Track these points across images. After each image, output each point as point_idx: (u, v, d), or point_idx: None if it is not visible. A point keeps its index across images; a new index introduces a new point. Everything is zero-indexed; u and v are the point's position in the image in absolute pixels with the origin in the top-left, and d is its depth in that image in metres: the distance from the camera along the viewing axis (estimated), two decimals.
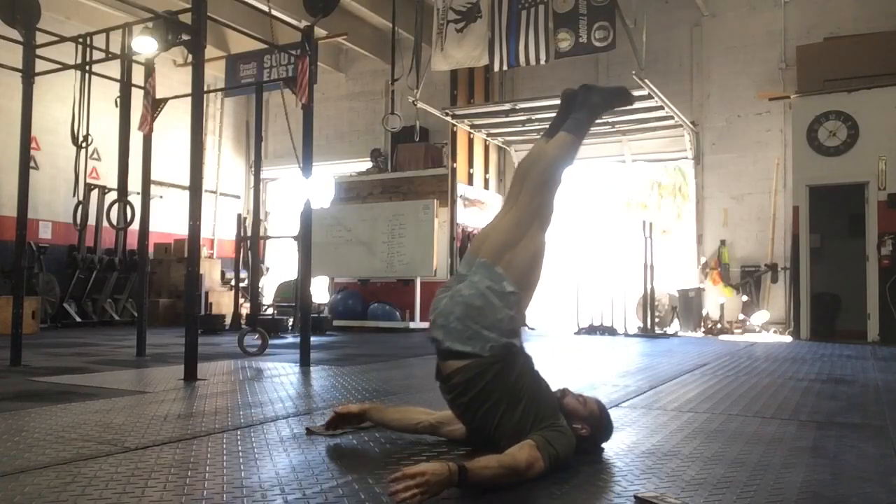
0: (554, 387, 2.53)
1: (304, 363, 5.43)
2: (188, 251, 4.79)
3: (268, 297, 11.74)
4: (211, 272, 12.43)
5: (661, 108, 10.46)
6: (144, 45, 5.52)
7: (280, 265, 12.65)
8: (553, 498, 2.00)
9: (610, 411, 3.50)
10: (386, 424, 2.77)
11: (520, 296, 2.46)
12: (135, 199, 6.26)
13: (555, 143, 2.72)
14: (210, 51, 8.65)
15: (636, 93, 9.86)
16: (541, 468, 2.12)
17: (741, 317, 10.82)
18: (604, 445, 2.58)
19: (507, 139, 12.92)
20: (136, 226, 6.38)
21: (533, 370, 2.47)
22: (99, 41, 6.12)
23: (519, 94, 12.55)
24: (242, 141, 15.44)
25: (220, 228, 14.34)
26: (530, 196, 2.62)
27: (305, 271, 5.80)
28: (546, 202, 2.65)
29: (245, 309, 8.03)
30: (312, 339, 5.69)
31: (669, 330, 11.05)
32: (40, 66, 5.80)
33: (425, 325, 11.32)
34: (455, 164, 12.06)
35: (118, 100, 6.20)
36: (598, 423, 2.49)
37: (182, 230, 6.73)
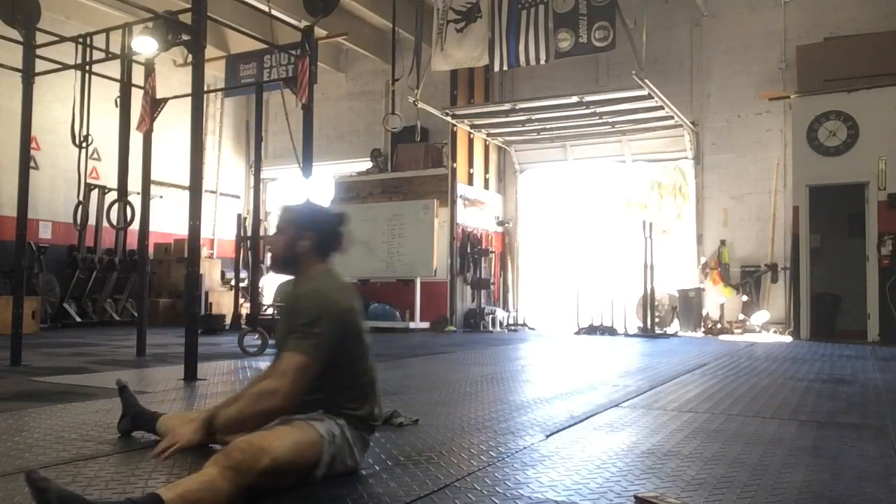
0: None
1: None
2: (188, 251, 4.79)
3: (268, 297, 11.74)
4: (211, 272, 12.42)
5: (661, 108, 10.46)
6: (144, 45, 5.52)
7: None
8: (553, 498, 2.00)
9: (610, 411, 3.51)
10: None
11: None
12: (135, 199, 6.25)
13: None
14: (210, 51, 8.64)
15: (636, 93, 9.90)
16: (296, 365, 2.05)
17: (741, 317, 10.82)
18: (340, 232, 2.35)
19: (507, 139, 12.92)
20: (136, 226, 6.38)
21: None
22: (99, 41, 6.12)
23: (519, 94, 12.55)
24: (242, 141, 15.43)
25: (220, 228, 14.34)
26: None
27: None
28: None
29: (245, 309, 8.03)
30: None
31: (669, 330, 11.05)
32: (40, 66, 5.80)
33: (425, 325, 11.33)
34: (455, 164, 12.06)
35: (118, 100, 6.20)
36: (299, 219, 2.30)
37: (182, 230, 6.73)
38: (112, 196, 7.50)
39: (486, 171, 12.97)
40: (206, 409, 2.16)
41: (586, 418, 3.29)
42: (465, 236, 12.11)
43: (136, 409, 2.72)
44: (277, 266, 2.36)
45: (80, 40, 6.06)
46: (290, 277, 2.40)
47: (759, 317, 10.65)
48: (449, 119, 11.76)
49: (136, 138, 6.16)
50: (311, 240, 2.27)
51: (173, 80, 10.90)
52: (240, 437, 1.97)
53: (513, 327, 12.30)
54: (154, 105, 5.96)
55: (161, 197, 11.91)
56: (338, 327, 2.14)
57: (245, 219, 9.38)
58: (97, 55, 6.18)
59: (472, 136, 12.49)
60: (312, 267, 2.28)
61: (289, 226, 2.30)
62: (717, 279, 11.10)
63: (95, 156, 10.54)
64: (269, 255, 2.41)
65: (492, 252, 12.50)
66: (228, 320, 9.33)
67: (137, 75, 6.21)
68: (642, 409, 3.61)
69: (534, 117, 11.68)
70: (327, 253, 2.32)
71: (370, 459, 2.39)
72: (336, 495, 1.98)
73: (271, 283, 12.14)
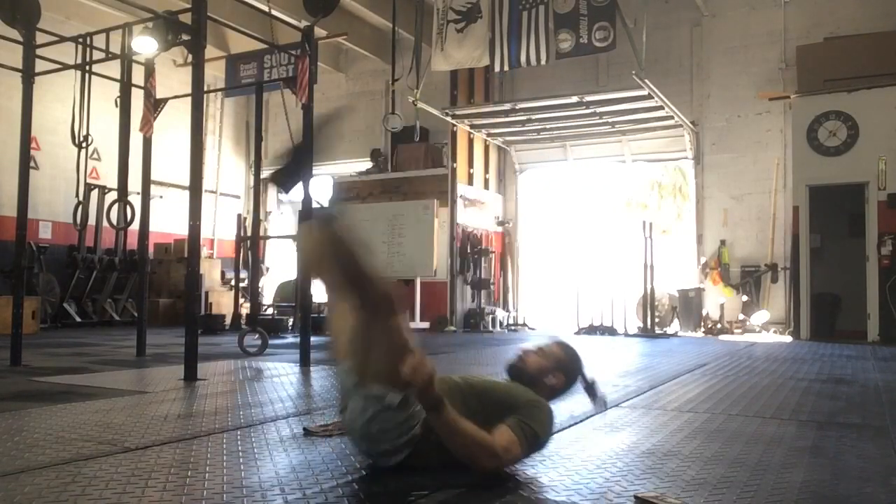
0: None
1: (305, 363, 5.43)
2: (188, 251, 4.78)
3: (268, 297, 11.74)
4: (211, 272, 12.42)
5: (661, 108, 10.46)
6: (144, 45, 5.52)
7: (280, 265, 12.65)
8: (553, 498, 2.00)
9: (610, 411, 3.51)
10: None
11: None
12: (135, 199, 6.25)
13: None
14: (210, 51, 8.63)
15: (636, 93, 9.90)
16: (517, 452, 2.16)
17: (741, 317, 10.82)
18: (593, 381, 2.58)
19: (507, 139, 12.92)
20: (136, 226, 6.38)
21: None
22: (99, 41, 6.12)
23: (519, 94, 12.55)
24: (242, 141, 15.44)
25: (220, 228, 14.33)
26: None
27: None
28: None
29: (245, 309, 8.03)
30: (312, 339, 5.69)
31: (669, 330, 11.05)
32: (40, 66, 5.79)
33: (425, 324, 11.33)
34: (455, 164, 12.06)
35: (118, 100, 6.20)
36: (566, 363, 2.51)
37: (182, 230, 6.73)
38: (112, 196, 7.50)
39: (486, 171, 12.98)
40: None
41: (586, 418, 3.29)
42: (465, 236, 12.11)
43: None
44: (517, 374, 2.49)
45: (80, 40, 6.05)
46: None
47: (759, 317, 10.65)
48: (449, 119, 11.76)
49: (136, 138, 6.16)
50: (558, 381, 2.49)
51: (173, 80, 10.90)
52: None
53: (513, 327, 12.30)
54: (154, 105, 5.96)
55: (161, 197, 11.91)
56: (536, 450, 2.29)
57: (245, 219, 9.38)
58: (97, 55, 6.18)
59: (472, 136, 12.49)
60: (540, 392, 2.43)
61: (552, 360, 2.50)
62: (717, 279, 11.11)
63: (95, 156, 10.54)
64: (521, 361, 2.53)
65: (492, 252, 12.50)
66: (228, 320, 9.33)
67: (137, 75, 6.20)
68: (642, 409, 3.61)
69: (534, 117, 11.68)
70: (556, 396, 2.51)
71: (370, 460, 2.39)
72: (336, 495, 1.98)
73: (271, 284, 12.15)
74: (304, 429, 2.88)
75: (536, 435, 2.22)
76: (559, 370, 2.48)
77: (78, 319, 10.78)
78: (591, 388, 2.58)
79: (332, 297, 2.46)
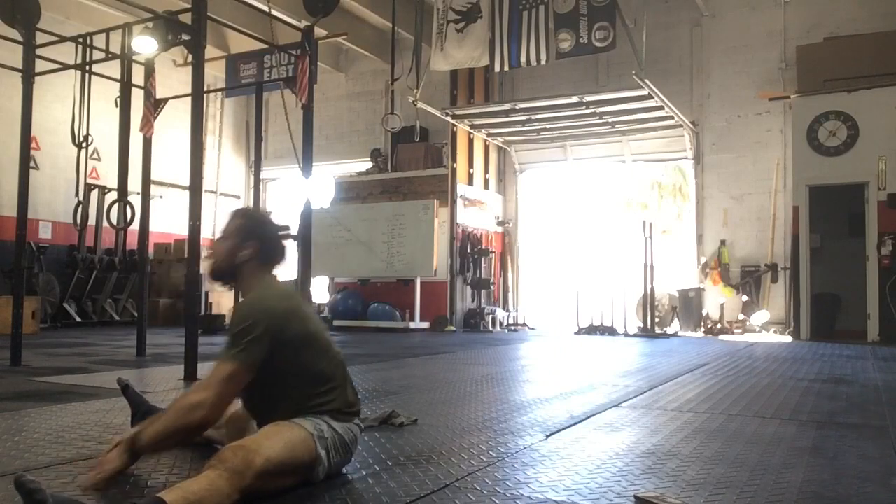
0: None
1: None
2: (188, 251, 4.79)
3: None
4: None
5: (661, 108, 10.46)
6: (144, 45, 5.52)
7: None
8: (553, 498, 2.00)
9: (610, 411, 3.51)
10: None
11: None
12: (135, 199, 6.26)
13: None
14: (210, 51, 8.64)
15: (636, 93, 9.89)
16: (222, 373, 2.01)
17: (741, 317, 10.82)
18: (287, 227, 2.41)
19: (507, 139, 12.92)
20: (136, 226, 6.38)
21: None
22: (99, 41, 6.12)
23: (519, 94, 12.55)
24: (242, 141, 15.44)
25: (220, 228, 14.29)
26: None
27: (305, 271, 5.79)
28: None
29: None
30: None
31: (669, 330, 11.05)
32: (40, 66, 5.80)
33: (425, 324, 11.33)
34: (455, 164, 12.06)
35: (118, 100, 6.20)
36: (244, 228, 2.28)
37: (182, 230, 6.73)
38: (112, 196, 7.50)
39: (486, 171, 12.98)
40: (131, 430, 2.02)
41: (586, 418, 3.29)
42: (465, 236, 12.11)
43: (145, 406, 2.71)
44: (216, 274, 2.30)
45: (80, 40, 6.06)
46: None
47: (759, 317, 10.65)
48: (449, 119, 11.76)
49: (136, 138, 6.16)
50: (252, 248, 2.24)
51: (173, 80, 10.90)
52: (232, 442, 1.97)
53: (513, 327, 12.30)
54: (154, 105, 5.97)
55: (161, 197, 11.92)
56: (274, 332, 2.07)
57: None
58: (97, 55, 6.18)
59: (472, 136, 12.49)
60: (253, 277, 2.25)
61: (232, 234, 2.27)
62: (717, 279, 11.11)
63: (95, 156, 10.54)
64: (207, 262, 2.33)
65: (492, 252, 12.50)
66: (228, 320, 9.31)
67: (137, 75, 6.21)
68: (642, 409, 3.61)
69: (534, 117, 11.68)
70: (270, 263, 2.28)
71: (370, 459, 2.39)
72: (336, 495, 1.98)
73: None
74: None
75: (235, 335, 2.04)
76: (243, 238, 2.24)
77: (78, 319, 10.78)
78: (287, 233, 2.41)
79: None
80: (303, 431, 2.03)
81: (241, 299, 2.29)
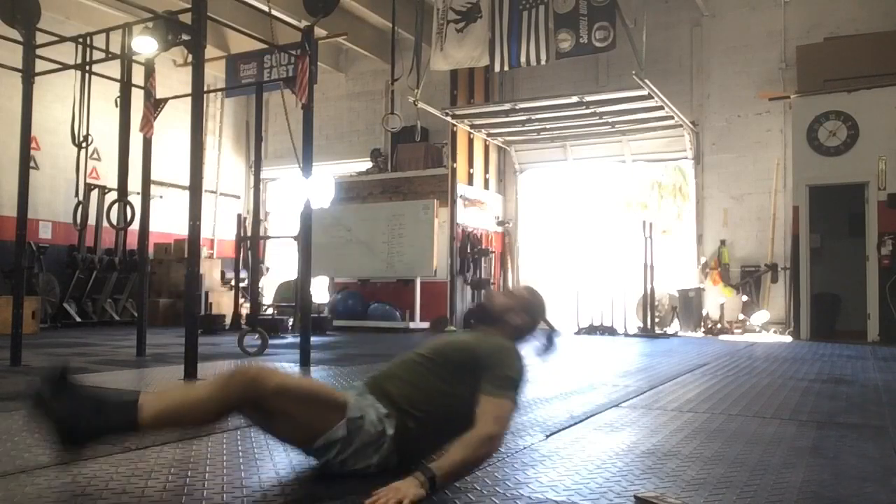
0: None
1: (305, 363, 5.42)
2: (188, 251, 4.78)
3: (268, 297, 11.74)
4: (211, 272, 12.42)
5: (661, 108, 10.46)
6: (144, 45, 5.51)
7: (280, 265, 12.65)
8: (553, 498, 2.00)
9: (610, 411, 3.52)
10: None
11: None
12: (135, 199, 6.25)
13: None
14: (210, 51, 8.65)
15: (636, 93, 9.89)
16: (508, 411, 2.14)
17: (741, 317, 10.82)
18: (555, 329, 2.63)
19: (507, 139, 12.92)
20: (136, 226, 6.38)
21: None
22: (99, 41, 6.11)
23: (519, 94, 12.55)
24: (242, 141, 15.44)
25: (220, 228, 14.34)
26: None
27: (305, 271, 5.80)
28: None
29: (245, 309, 8.02)
30: (312, 339, 5.69)
31: (669, 330, 11.05)
32: (40, 66, 5.79)
33: (425, 324, 11.32)
34: (455, 164, 12.06)
35: (118, 100, 6.20)
36: (531, 304, 2.53)
37: (182, 230, 6.72)
38: (112, 196, 7.49)
39: (486, 171, 12.98)
40: (420, 472, 1.96)
41: (586, 418, 3.29)
42: (465, 236, 12.11)
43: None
44: (482, 314, 2.54)
45: (80, 40, 6.05)
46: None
47: (759, 317, 10.65)
48: (449, 119, 11.76)
49: (136, 138, 6.16)
50: (522, 321, 2.49)
51: (173, 80, 10.90)
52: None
53: None
54: (154, 105, 5.96)
55: (161, 197, 11.91)
56: (523, 385, 2.26)
57: (245, 219, 9.37)
58: (97, 55, 6.18)
59: (472, 136, 12.49)
60: (504, 333, 2.44)
61: (518, 300, 2.52)
62: (717, 279, 11.11)
63: (95, 156, 10.55)
64: (488, 299, 2.63)
65: (492, 252, 12.49)
66: (228, 320, 9.32)
67: (137, 75, 6.20)
68: (642, 409, 3.61)
69: (534, 117, 11.68)
70: (520, 338, 2.50)
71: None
72: (335, 494, 1.98)
73: (271, 284, 12.15)
74: None
75: (514, 380, 2.20)
76: (524, 310, 2.50)
77: (78, 319, 10.78)
78: (550, 335, 2.61)
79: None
80: (340, 401, 2.10)
81: (486, 336, 2.41)
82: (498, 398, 2.13)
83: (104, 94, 6.83)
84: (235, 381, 1.99)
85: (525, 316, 2.49)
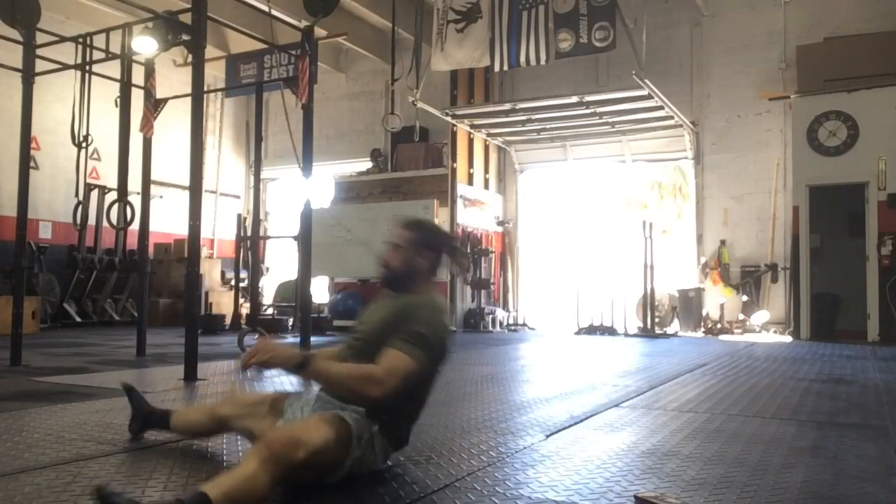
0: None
1: None
2: (188, 251, 4.79)
3: (268, 297, 11.74)
4: (211, 272, 12.42)
5: (661, 108, 10.46)
6: (144, 45, 5.52)
7: (280, 265, 12.65)
8: (553, 498, 2.00)
9: (610, 411, 3.52)
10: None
11: None
12: (135, 199, 6.25)
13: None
14: (210, 51, 8.63)
15: (636, 93, 9.89)
16: (406, 366, 2.10)
17: (741, 317, 10.82)
18: (458, 246, 2.58)
19: (507, 139, 12.91)
20: (136, 226, 6.38)
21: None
22: (99, 41, 6.12)
23: (519, 94, 12.54)
24: (242, 141, 15.43)
25: (220, 228, 14.33)
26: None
27: (305, 271, 5.80)
28: None
29: (245, 309, 8.03)
30: (312, 339, 5.69)
31: (669, 330, 11.04)
32: (40, 66, 5.80)
33: None
34: (455, 164, 12.05)
35: (118, 100, 6.20)
36: (424, 239, 2.42)
37: (182, 230, 6.72)
38: (112, 196, 7.49)
39: (486, 171, 12.97)
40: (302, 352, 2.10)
41: (586, 418, 3.29)
42: (465, 236, 12.11)
43: (146, 408, 2.73)
44: (391, 280, 2.43)
45: (80, 40, 6.06)
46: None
47: (759, 317, 10.65)
48: (449, 119, 11.76)
49: (136, 138, 6.16)
50: (427, 259, 2.39)
51: (173, 80, 10.90)
52: (279, 428, 2.06)
53: (513, 327, 12.30)
54: (154, 105, 5.97)
55: (161, 197, 11.91)
56: (440, 350, 2.23)
57: (245, 219, 9.38)
58: (97, 55, 6.18)
59: (472, 136, 12.48)
60: (422, 285, 2.39)
61: (409, 243, 2.40)
62: (717, 279, 11.10)
63: (95, 156, 10.54)
64: (382, 268, 2.47)
65: (492, 252, 12.49)
66: (228, 320, 9.33)
67: (137, 75, 6.21)
68: (642, 409, 3.61)
69: (534, 117, 11.68)
70: (436, 274, 2.44)
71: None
72: (336, 495, 1.98)
73: (271, 283, 12.15)
74: None
75: (423, 336, 2.15)
76: (421, 248, 2.39)
77: (78, 319, 10.78)
78: (454, 253, 2.55)
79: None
80: (346, 433, 2.06)
81: (407, 298, 2.35)
82: (397, 350, 2.12)
83: (104, 94, 6.83)
84: (286, 466, 1.85)
85: (427, 252, 2.39)
